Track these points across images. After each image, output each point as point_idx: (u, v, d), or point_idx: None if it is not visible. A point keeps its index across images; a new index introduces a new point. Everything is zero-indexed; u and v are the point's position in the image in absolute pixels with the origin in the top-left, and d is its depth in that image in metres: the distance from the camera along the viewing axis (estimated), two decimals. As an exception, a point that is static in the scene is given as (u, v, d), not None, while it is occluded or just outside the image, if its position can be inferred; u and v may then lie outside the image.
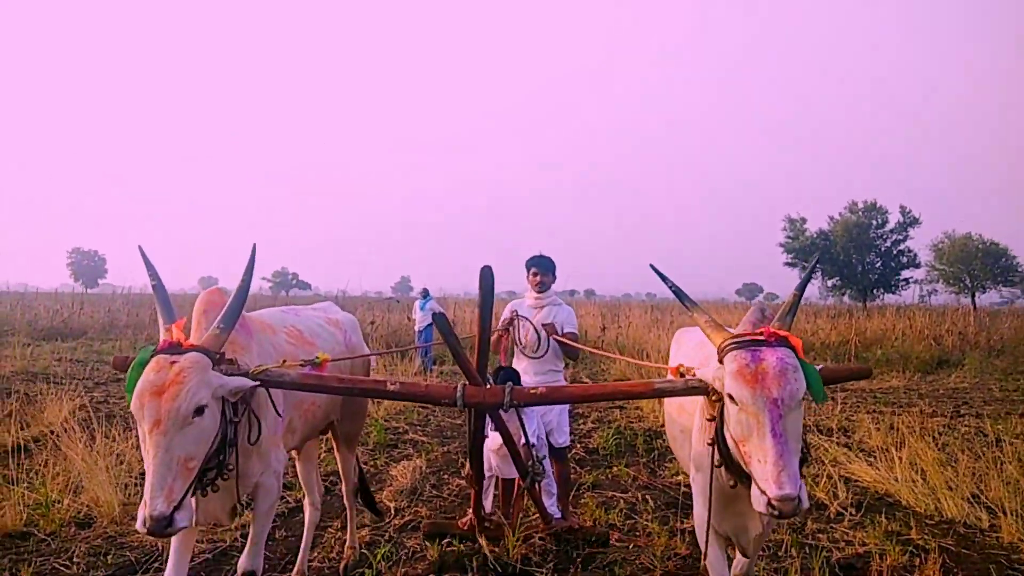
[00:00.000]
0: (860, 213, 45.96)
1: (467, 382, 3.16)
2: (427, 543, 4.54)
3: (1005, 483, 5.42)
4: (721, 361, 2.47)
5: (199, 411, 2.42)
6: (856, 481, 6.09)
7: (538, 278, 5.07)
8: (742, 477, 2.48)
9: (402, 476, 6.31)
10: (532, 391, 3.13)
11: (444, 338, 3.21)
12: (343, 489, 4.49)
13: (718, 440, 2.54)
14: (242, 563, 3.09)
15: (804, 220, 46.51)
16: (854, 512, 5.26)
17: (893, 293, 45.70)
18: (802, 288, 2.73)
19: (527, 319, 4.95)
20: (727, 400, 2.38)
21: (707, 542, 2.88)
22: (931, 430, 7.73)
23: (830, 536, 4.81)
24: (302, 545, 4.12)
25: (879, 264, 45.34)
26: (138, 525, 2.30)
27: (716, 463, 2.59)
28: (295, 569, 4.05)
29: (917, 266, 46.10)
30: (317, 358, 3.22)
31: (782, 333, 2.44)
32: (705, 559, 2.92)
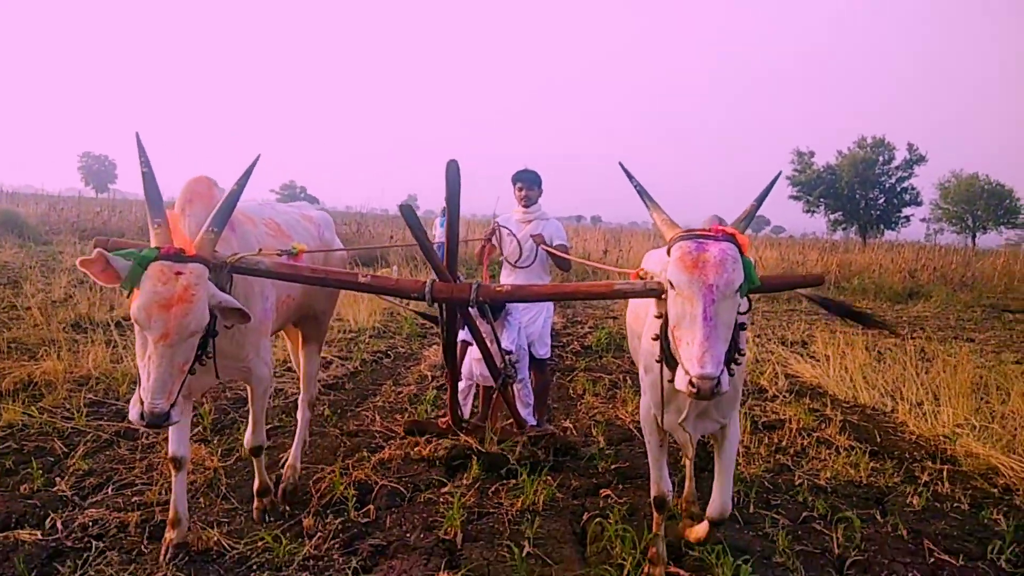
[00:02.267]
0: (868, 149, 46.32)
1: (436, 278, 3.22)
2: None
3: (920, 385, 6.76)
4: (669, 253, 2.58)
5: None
6: (796, 376, 7.49)
7: (523, 192, 5.08)
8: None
9: (433, 355, 7.74)
10: (499, 288, 3.25)
11: (412, 232, 3.21)
12: (300, 395, 4.32)
13: (663, 337, 2.65)
14: (248, 440, 3.45)
15: (812, 154, 47.02)
16: (787, 395, 6.67)
17: (893, 230, 46.57)
18: (760, 200, 2.79)
19: (509, 230, 5.02)
20: (668, 288, 2.49)
21: (647, 429, 3.19)
22: (878, 346, 9.10)
23: (762, 408, 6.22)
24: (295, 442, 4.19)
25: (882, 200, 46.04)
26: (132, 418, 2.51)
27: (657, 359, 2.73)
28: (287, 463, 4.11)
29: (919, 204, 46.71)
30: (293, 248, 3.36)
31: (729, 230, 2.53)
32: (646, 438, 3.24)
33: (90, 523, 3.36)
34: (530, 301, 4.64)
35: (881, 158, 45.68)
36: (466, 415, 4.93)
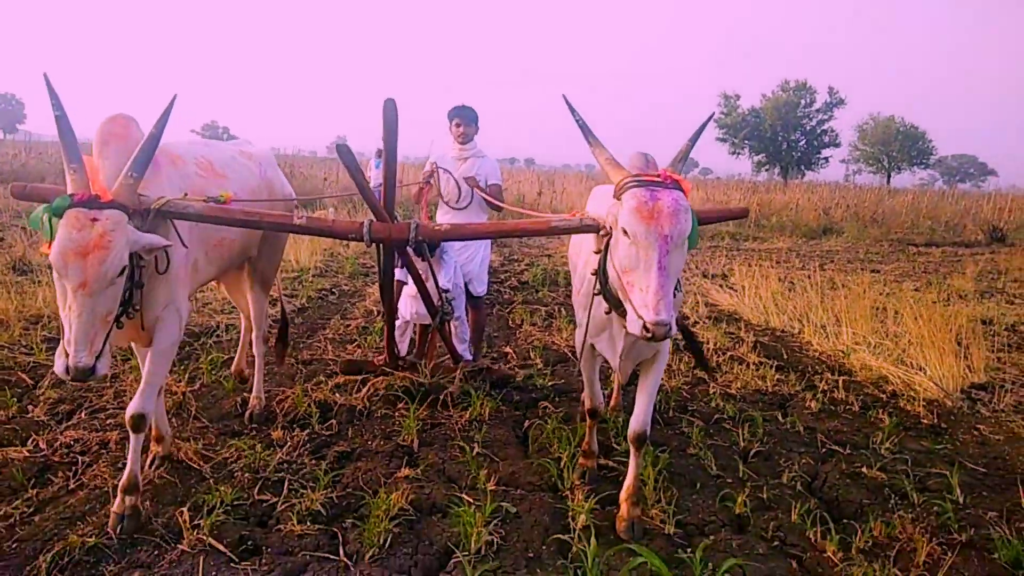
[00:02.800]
0: (791, 92, 47.66)
1: (374, 219, 3.19)
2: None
3: (825, 310, 7.44)
4: (618, 198, 2.59)
5: (122, 272, 2.49)
6: (715, 305, 8.12)
7: (461, 129, 5.00)
8: (618, 306, 2.70)
9: (377, 292, 8.02)
10: (436, 227, 3.25)
11: (350, 172, 3.15)
12: (252, 335, 4.33)
13: (599, 272, 2.77)
14: (132, 405, 2.93)
15: (738, 97, 48.14)
16: (706, 321, 7.27)
17: (813, 171, 48.35)
18: (694, 140, 2.82)
19: (448, 172, 4.98)
20: (619, 234, 2.51)
21: (583, 354, 3.34)
22: (790, 277, 9.82)
23: (684, 334, 6.80)
24: (255, 373, 4.23)
25: (803, 143, 47.67)
26: (58, 370, 2.47)
27: (595, 291, 2.83)
28: (252, 394, 4.21)
29: (838, 146, 48.55)
30: (221, 196, 3.14)
31: (676, 177, 2.58)
32: (581, 362, 3.48)
33: (72, 442, 3.60)
34: (469, 239, 4.65)
35: (803, 101, 47.14)
36: (403, 352, 4.94)
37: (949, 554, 2.96)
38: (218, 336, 5.95)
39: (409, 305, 4.77)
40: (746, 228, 17.22)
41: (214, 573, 2.56)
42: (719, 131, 47.48)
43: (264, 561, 2.63)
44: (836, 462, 3.93)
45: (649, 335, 2.34)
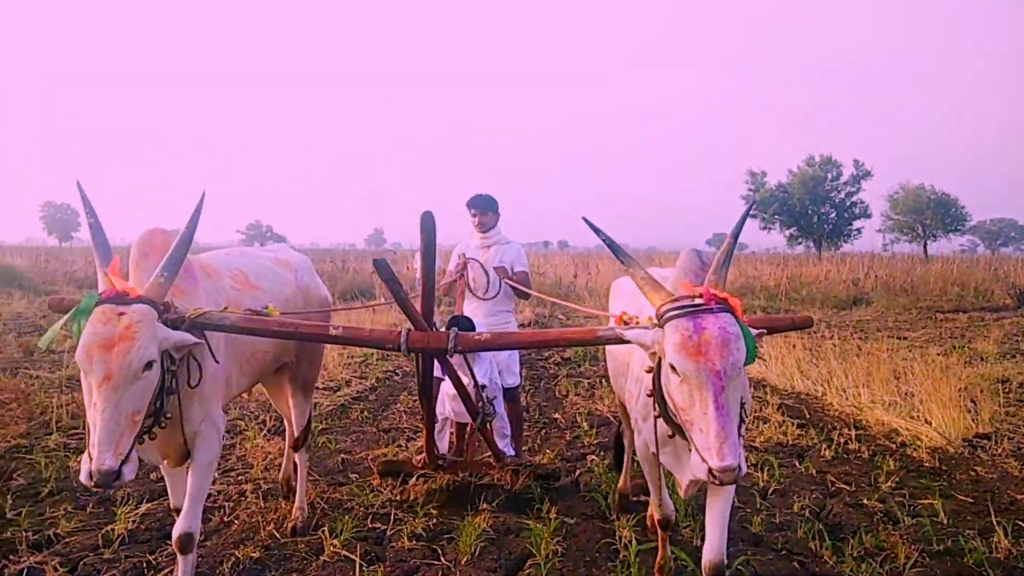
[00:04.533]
0: (816, 166, 48.58)
1: (412, 327, 3.18)
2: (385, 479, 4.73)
3: (847, 375, 8.12)
4: (660, 326, 2.45)
5: (148, 366, 2.42)
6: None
7: (478, 219, 5.00)
8: (680, 430, 2.49)
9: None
10: (476, 337, 3.20)
11: (386, 284, 3.06)
12: (292, 441, 4.35)
13: (656, 392, 2.57)
14: (178, 526, 2.96)
15: (764, 174, 49.22)
16: (735, 387, 8.00)
17: (846, 242, 48.72)
18: (735, 235, 2.68)
19: (476, 261, 4.96)
20: (667, 368, 2.38)
21: (645, 459, 3.18)
22: (820, 347, 10.50)
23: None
24: (298, 485, 4.19)
25: (833, 215, 48.23)
26: (83, 478, 2.33)
27: (655, 414, 2.64)
28: (296, 505, 4.12)
29: (868, 216, 48.94)
30: (268, 309, 3.20)
31: (722, 295, 2.43)
32: (644, 466, 3.28)
33: (216, 493, 4.53)
34: (510, 348, 4.57)
35: (829, 175, 48.01)
36: (442, 450, 4.82)
37: (927, 559, 3.69)
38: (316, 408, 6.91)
39: (448, 402, 4.67)
40: (778, 301, 17.91)
41: (344, 572, 3.41)
42: (744, 205, 48.39)
43: (386, 566, 3.48)
44: (842, 496, 4.65)
45: (716, 481, 2.20)
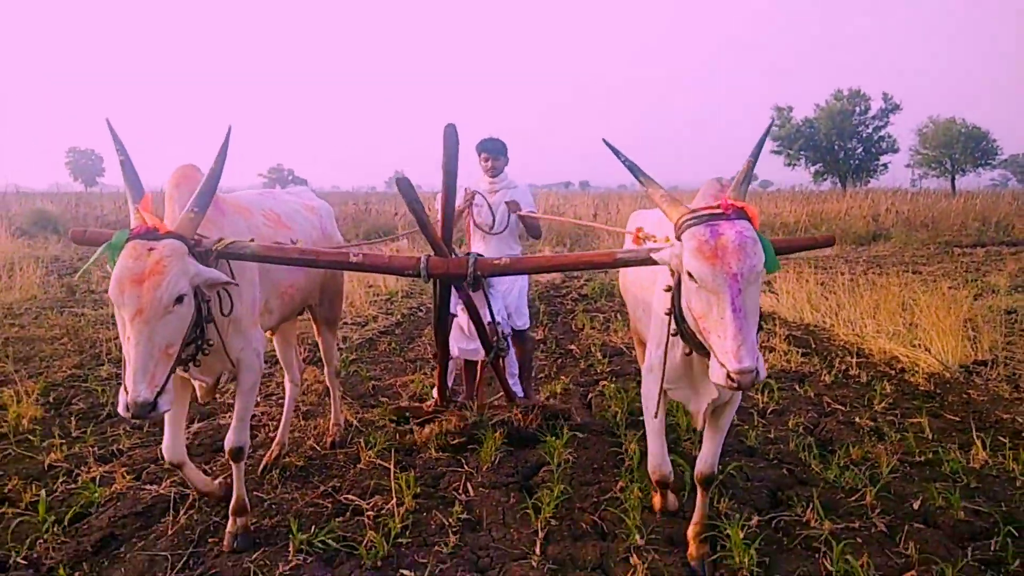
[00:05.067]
0: (844, 100, 47.73)
1: (432, 253, 3.15)
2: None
3: (855, 307, 8.37)
4: (679, 238, 2.46)
5: (179, 300, 2.47)
6: (756, 306, 9.18)
7: (489, 163, 4.93)
8: (699, 347, 2.52)
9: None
10: (496, 262, 3.15)
11: (408, 204, 3.06)
12: (325, 371, 4.62)
13: (675, 310, 2.58)
14: (229, 439, 3.19)
15: (791, 108, 48.45)
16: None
17: (872, 178, 48.14)
18: (755, 155, 2.68)
19: (483, 195, 4.93)
20: (685, 277, 2.38)
21: (652, 406, 3.04)
22: (830, 281, 10.71)
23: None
24: (283, 419, 4.36)
25: (860, 150, 47.61)
26: (120, 409, 2.39)
27: (672, 332, 2.66)
28: (276, 439, 4.27)
29: (896, 151, 48.22)
30: (295, 242, 3.40)
31: (739, 204, 2.43)
32: (652, 417, 3.07)
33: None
34: (529, 272, 4.47)
35: (857, 109, 47.23)
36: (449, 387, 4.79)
37: (908, 467, 4.04)
38: (346, 341, 7.37)
39: (458, 339, 4.67)
40: (796, 237, 17.97)
41: (378, 478, 3.84)
42: (774, 144, 47.76)
43: (416, 471, 3.92)
44: (835, 415, 5.00)
45: (735, 384, 2.21)
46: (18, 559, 3.08)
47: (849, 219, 20.12)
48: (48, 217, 19.63)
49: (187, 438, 4.45)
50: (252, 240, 3.05)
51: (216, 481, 3.49)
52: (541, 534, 3.24)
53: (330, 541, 3.17)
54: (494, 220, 4.90)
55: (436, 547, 3.16)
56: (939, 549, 3.12)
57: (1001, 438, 4.42)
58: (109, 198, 32.92)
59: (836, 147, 47.41)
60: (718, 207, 2.42)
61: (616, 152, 2.79)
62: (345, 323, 8.28)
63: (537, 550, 3.13)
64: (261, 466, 4.07)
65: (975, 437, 4.35)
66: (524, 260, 3.41)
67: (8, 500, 3.64)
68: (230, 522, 3.22)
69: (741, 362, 2.17)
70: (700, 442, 3.22)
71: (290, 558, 3.06)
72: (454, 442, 4.26)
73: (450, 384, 4.78)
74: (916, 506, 3.56)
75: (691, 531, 3.12)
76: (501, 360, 4.45)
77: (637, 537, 3.18)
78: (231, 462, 3.23)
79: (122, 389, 2.40)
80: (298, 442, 4.48)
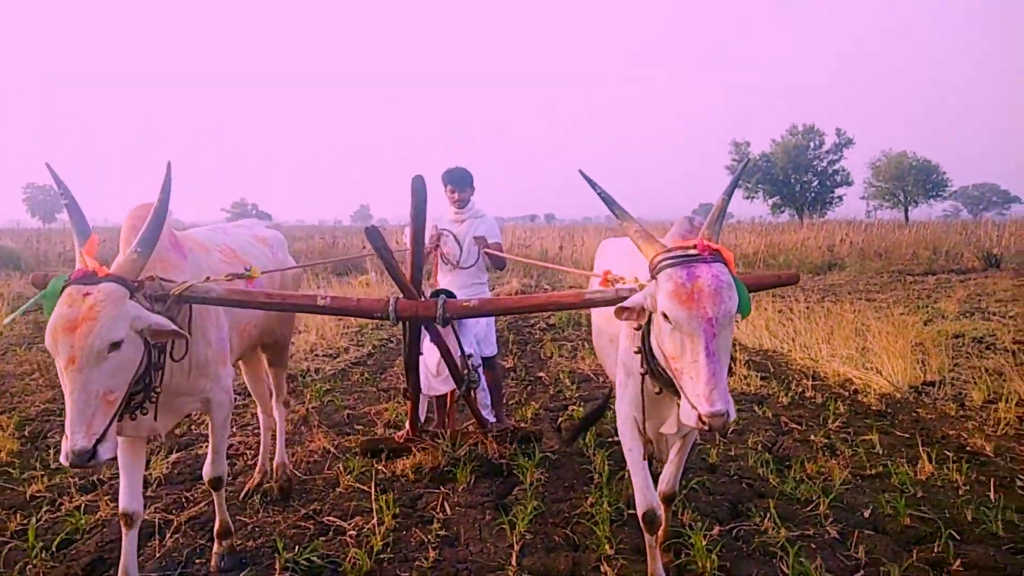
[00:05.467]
0: (799, 135, 49.28)
1: (401, 296, 3.18)
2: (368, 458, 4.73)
3: (811, 333, 8.73)
4: (654, 277, 2.46)
5: (115, 346, 2.36)
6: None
7: (456, 195, 4.97)
8: (668, 385, 2.53)
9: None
10: (465, 304, 3.15)
11: (377, 252, 3.12)
12: (273, 404, 4.50)
13: (644, 349, 2.60)
14: (207, 471, 3.26)
15: (748, 143, 49.80)
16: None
17: (828, 210, 49.55)
18: (728, 193, 2.69)
19: (448, 231, 4.95)
20: (659, 318, 2.39)
21: (627, 432, 3.01)
22: (788, 308, 11.10)
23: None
24: (261, 448, 4.46)
25: (815, 183, 49.06)
26: (61, 459, 2.28)
27: (642, 371, 2.66)
28: (257, 467, 4.42)
29: (850, 184, 49.77)
30: (248, 269, 3.26)
31: (714, 246, 2.44)
32: (626, 443, 3.03)
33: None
34: (499, 315, 4.41)
35: (812, 144, 48.74)
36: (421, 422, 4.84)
37: (859, 480, 4.30)
38: (319, 372, 7.47)
39: (427, 377, 4.65)
40: (755, 268, 18.55)
41: (358, 499, 3.98)
42: (730, 176, 48.95)
43: (395, 493, 4.07)
44: (792, 434, 5.26)
45: (706, 427, 2.22)
46: (9, 584, 3.17)
47: (805, 249, 20.76)
48: (10, 254, 19.36)
49: (167, 467, 4.55)
50: (208, 278, 2.94)
51: None
52: (516, 547, 3.42)
53: (315, 559, 3.31)
54: (461, 253, 4.96)
55: (417, 562, 3.32)
56: (887, 552, 3.36)
57: (947, 452, 4.69)
58: (69, 234, 32.50)
59: (792, 180, 48.81)
60: (694, 247, 2.43)
61: (592, 183, 2.78)
62: (317, 355, 8.42)
63: (513, 562, 3.30)
64: (243, 492, 4.18)
65: (922, 452, 4.63)
66: (493, 302, 3.44)
67: (-6, 529, 3.70)
68: (216, 544, 3.34)
69: (713, 405, 2.20)
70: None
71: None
72: (428, 472, 4.39)
73: (423, 414, 4.85)
74: (866, 514, 3.80)
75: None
76: (473, 392, 4.45)
77: (607, 547, 3.37)
78: (212, 491, 3.33)
79: (64, 437, 2.30)
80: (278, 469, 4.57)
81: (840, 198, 49.38)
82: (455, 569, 3.28)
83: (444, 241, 4.94)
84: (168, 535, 3.62)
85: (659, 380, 2.60)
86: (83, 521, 3.74)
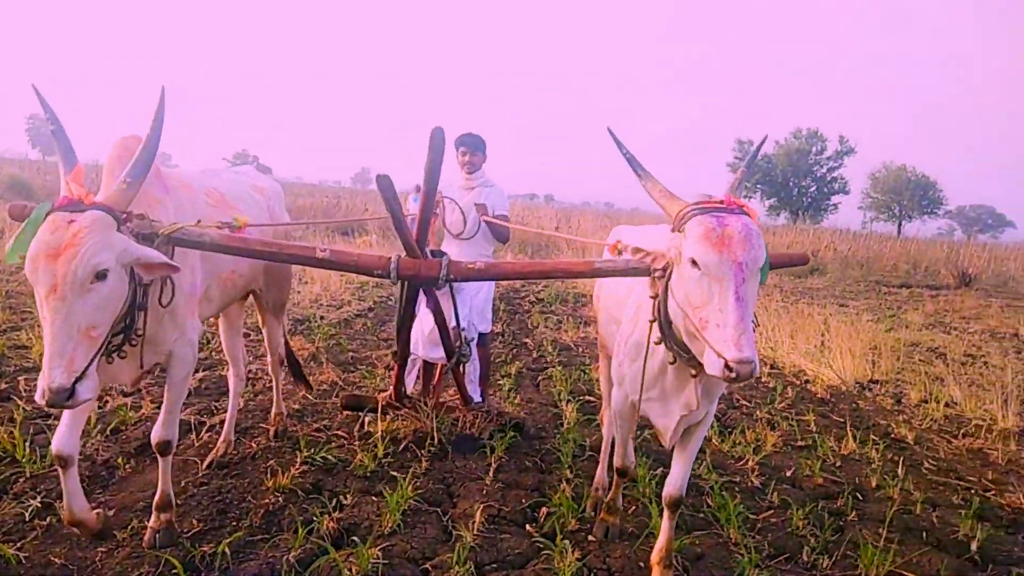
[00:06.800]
0: (803, 139, 49.82)
1: (403, 253, 3.05)
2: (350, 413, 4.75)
3: (778, 331, 9.42)
4: (679, 229, 2.44)
5: (101, 275, 2.24)
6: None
7: (467, 157, 4.81)
8: (683, 351, 2.50)
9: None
10: (470, 265, 3.05)
11: (386, 203, 2.99)
12: (268, 359, 4.44)
13: (660, 317, 2.56)
14: (155, 433, 2.98)
15: (752, 142, 50.26)
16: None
17: (824, 216, 50.16)
18: (749, 164, 2.70)
19: (453, 200, 4.76)
20: (685, 268, 2.34)
21: (620, 413, 3.10)
22: (763, 307, 11.78)
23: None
24: (228, 414, 4.17)
25: (813, 188, 49.70)
26: (37, 397, 2.16)
27: (656, 341, 2.61)
28: (221, 437, 4.09)
29: (847, 193, 50.37)
30: (235, 220, 3.03)
31: (740, 203, 2.44)
32: (616, 421, 3.17)
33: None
34: (504, 279, 4.35)
35: (814, 148, 49.29)
36: (409, 389, 4.77)
37: (789, 449, 5.03)
38: (321, 318, 8.16)
39: (421, 341, 4.57)
40: (774, 252, 19.10)
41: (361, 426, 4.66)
42: (732, 175, 49.42)
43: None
44: (740, 408, 5.99)
45: (733, 374, 2.13)
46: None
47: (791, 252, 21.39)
48: (23, 184, 19.85)
49: (138, 439, 4.14)
50: (199, 222, 2.80)
51: (95, 511, 2.96)
52: (494, 465, 4.13)
53: (329, 456, 4.04)
54: (465, 224, 4.77)
55: (412, 468, 4.03)
56: (796, 500, 4.08)
57: (873, 437, 5.39)
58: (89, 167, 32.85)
59: (791, 184, 49.41)
60: (722, 202, 2.44)
61: (619, 143, 2.75)
62: (321, 304, 9.10)
63: (491, 475, 4.03)
64: (206, 462, 3.91)
65: (849, 432, 5.34)
66: (499, 265, 3.29)
67: None
68: (153, 517, 3.04)
69: (742, 351, 2.13)
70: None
71: (297, 465, 3.91)
72: (403, 440, 4.37)
73: (411, 381, 4.84)
74: (788, 474, 4.53)
75: (655, 556, 3.08)
76: (462, 366, 4.42)
77: (567, 472, 4.10)
78: (158, 455, 3.04)
79: (41, 375, 2.18)
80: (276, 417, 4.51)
81: (836, 206, 50.03)
82: (443, 475, 4.00)
83: (450, 209, 4.77)
84: (204, 431, 4.36)
85: (674, 347, 2.55)
86: (130, 415, 4.44)
